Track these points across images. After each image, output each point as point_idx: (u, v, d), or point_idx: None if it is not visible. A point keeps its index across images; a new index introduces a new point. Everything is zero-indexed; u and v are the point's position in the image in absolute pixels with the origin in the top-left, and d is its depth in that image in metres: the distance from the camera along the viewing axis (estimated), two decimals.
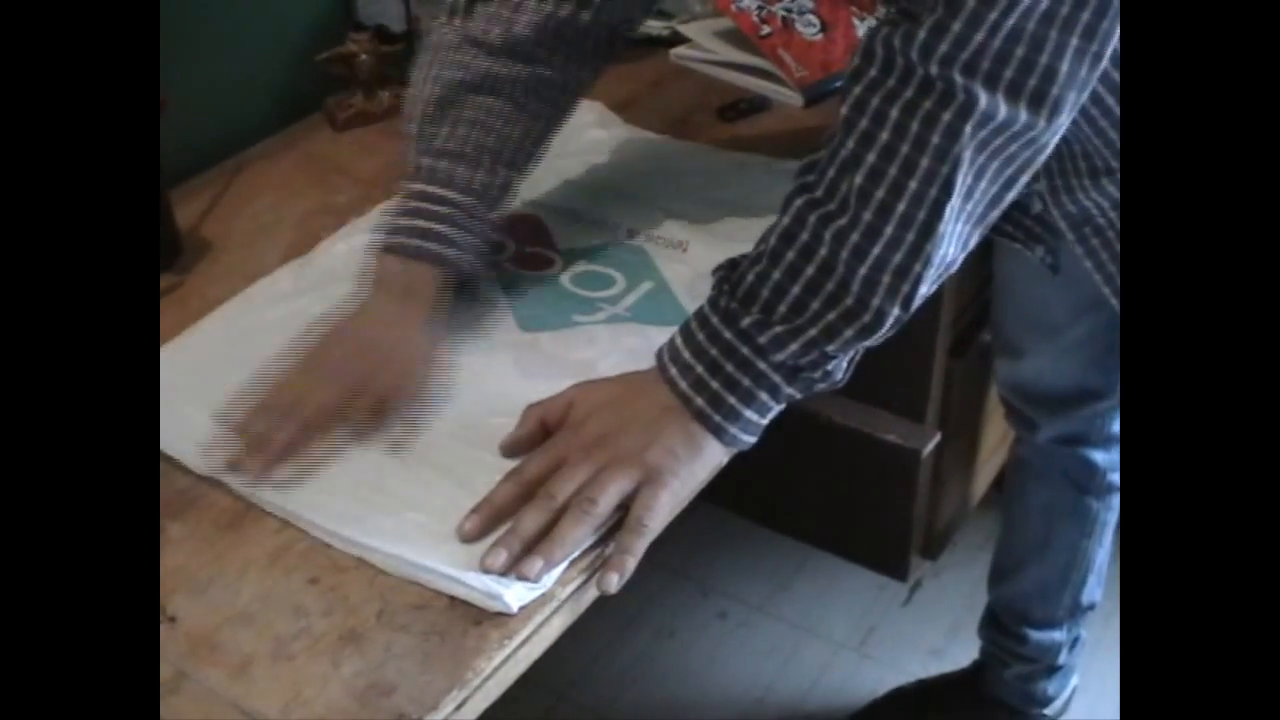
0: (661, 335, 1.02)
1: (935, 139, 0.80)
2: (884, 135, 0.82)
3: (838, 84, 1.39)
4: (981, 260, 1.35)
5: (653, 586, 1.84)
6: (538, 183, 1.22)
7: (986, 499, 1.84)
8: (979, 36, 0.78)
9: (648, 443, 0.87)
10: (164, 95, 1.10)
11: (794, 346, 0.86)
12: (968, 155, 0.81)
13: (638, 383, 0.90)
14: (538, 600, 0.81)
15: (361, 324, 0.98)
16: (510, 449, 0.90)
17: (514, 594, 0.80)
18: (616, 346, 1.02)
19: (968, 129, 0.80)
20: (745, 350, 0.86)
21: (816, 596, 1.85)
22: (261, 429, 0.90)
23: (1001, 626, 1.55)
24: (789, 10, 1.41)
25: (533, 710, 1.68)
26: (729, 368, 0.87)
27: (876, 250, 0.83)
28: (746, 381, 0.87)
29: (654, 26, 1.52)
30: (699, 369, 0.87)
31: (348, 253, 1.13)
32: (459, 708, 0.75)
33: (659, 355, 0.90)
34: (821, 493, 1.76)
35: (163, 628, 0.79)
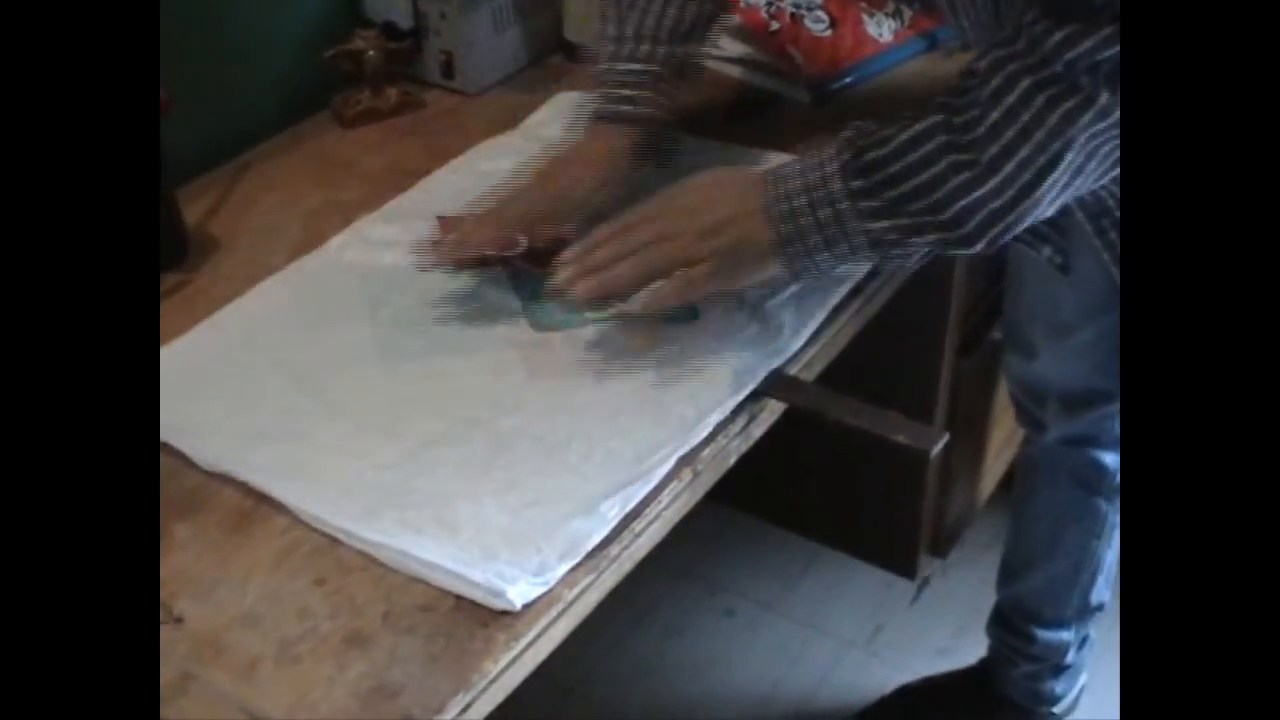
0: (671, 333, 1.02)
1: (1054, 118, 0.88)
2: (1010, 99, 0.89)
3: (847, 80, 1.39)
4: (989, 257, 1.35)
5: (661, 585, 1.84)
6: None
7: (995, 497, 1.83)
8: (1108, 53, 0.85)
9: (727, 231, 0.96)
10: (170, 94, 1.10)
11: (886, 224, 0.94)
12: (1080, 140, 0.88)
13: (744, 182, 0.99)
14: (544, 601, 0.81)
15: (564, 154, 1.12)
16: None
17: (518, 591, 0.80)
18: (626, 347, 1.02)
19: (1085, 119, 0.87)
20: (845, 205, 0.94)
21: (824, 595, 1.84)
22: (465, 229, 1.07)
23: (1010, 625, 1.54)
24: (798, 6, 1.41)
25: (541, 708, 1.68)
26: (825, 212, 0.95)
27: (980, 192, 0.91)
28: (834, 229, 0.95)
29: None
30: (799, 201, 0.95)
31: (353, 252, 1.14)
32: (465, 710, 0.75)
33: (770, 173, 0.98)
34: (829, 491, 1.76)
35: (169, 629, 0.79)
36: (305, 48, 1.37)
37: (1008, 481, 1.78)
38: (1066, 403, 1.34)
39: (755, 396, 0.97)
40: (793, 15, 1.40)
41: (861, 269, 1.06)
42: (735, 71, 1.43)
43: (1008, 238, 0.94)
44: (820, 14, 1.41)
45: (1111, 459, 1.36)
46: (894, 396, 1.07)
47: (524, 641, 0.79)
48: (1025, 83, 0.89)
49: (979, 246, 0.94)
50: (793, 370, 1.01)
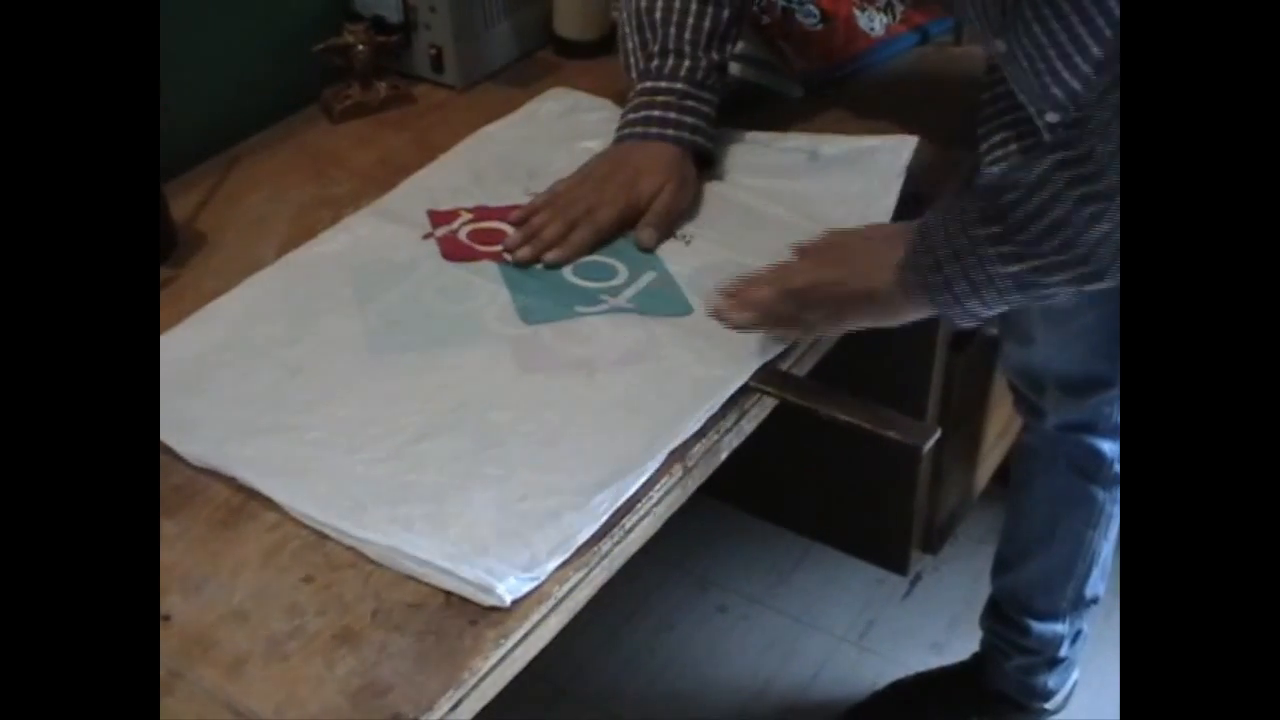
0: (662, 327, 1.02)
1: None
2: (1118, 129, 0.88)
3: (837, 74, 1.39)
4: None
5: (652, 580, 1.84)
6: (539, 173, 1.22)
7: (988, 493, 1.83)
8: None
9: (866, 281, 0.99)
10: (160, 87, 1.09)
11: (1023, 267, 0.93)
12: None
13: (900, 234, 1.00)
14: (534, 598, 0.80)
15: (614, 154, 1.18)
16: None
17: (507, 587, 0.80)
18: (618, 341, 1.01)
19: None
20: (989, 250, 0.93)
21: (816, 590, 1.84)
22: (537, 223, 1.12)
23: (1003, 617, 1.54)
24: (789, 0, 1.40)
25: (533, 703, 1.68)
26: (969, 259, 0.94)
27: (1107, 224, 0.89)
28: (979, 276, 0.94)
29: None
30: (942, 252, 0.95)
31: (342, 247, 1.13)
32: (454, 708, 0.75)
33: (917, 224, 0.98)
34: (821, 487, 1.76)
35: None
36: (294, 42, 1.36)
37: (1001, 476, 1.78)
38: (1065, 389, 1.33)
39: (747, 391, 0.97)
40: (784, 9, 1.40)
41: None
42: None
43: (1083, 291, 0.94)
44: (811, 8, 1.41)
45: (1109, 446, 1.36)
46: (886, 392, 1.07)
47: (514, 639, 0.78)
48: None
49: (1109, 278, 0.92)
50: (785, 365, 1.00)
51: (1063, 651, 1.54)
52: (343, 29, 1.35)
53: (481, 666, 0.76)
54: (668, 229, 1.14)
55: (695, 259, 1.11)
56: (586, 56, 1.46)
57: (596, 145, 1.24)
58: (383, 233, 1.15)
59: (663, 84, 1.19)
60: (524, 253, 1.11)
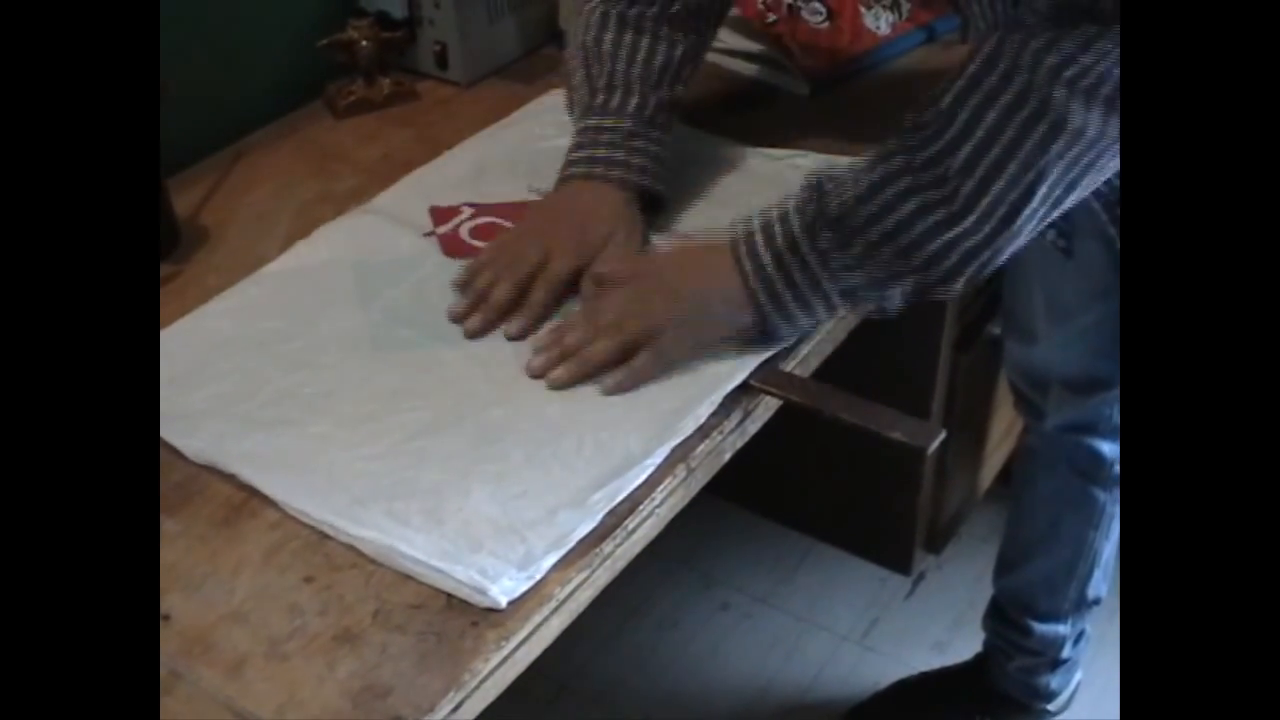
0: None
1: (1026, 147, 0.86)
2: (979, 133, 0.88)
3: (844, 73, 1.38)
4: None
5: (656, 578, 1.83)
6: (541, 168, 1.21)
7: (992, 492, 1.83)
8: (1086, 59, 0.84)
9: (693, 296, 0.97)
10: (163, 82, 1.08)
11: (860, 276, 0.93)
12: (1056, 169, 0.87)
13: (709, 248, 0.98)
14: (536, 599, 0.80)
15: (558, 199, 1.10)
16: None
17: (501, 588, 0.79)
18: None
19: (1057, 145, 0.86)
20: (813, 259, 0.93)
21: (819, 589, 1.84)
22: (481, 285, 1.03)
23: (1006, 618, 1.54)
24: None
25: (536, 700, 1.67)
26: (796, 274, 0.94)
27: (952, 233, 0.90)
28: (807, 288, 0.94)
29: None
30: (766, 259, 0.94)
31: (344, 243, 1.13)
32: (455, 709, 0.75)
33: (734, 235, 0.97)
34: (825, 486, 1.75)
35: None
36: (298, 37, 1.36)
37: (1005, 476, 1.77)
38: (1066, 389, 1.33)
39: (750, 392, 0.96)
40: (790, 7, 1.40)
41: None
42: (733, 64, 1.42)
43: (986, 274, 0.93)
44: (818, 6, 1.40)
45: (1109, 448, 1.36)
46: (890, 392, 1.06)
47: (515, 640, 0.78)
48: (991, 115, 0.87)
49: (958, 287, 0.93)
50: (788, 366, 1.00)
51: (1065, 652, 1.54)
52: (347, 25, 1.35)
53: (483, 668, 0.76)
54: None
55: None
56: None
57: None
58: (385, 229, 1.14)
59: (608, 121, 1.10)
60: (473, 323, 1.01)
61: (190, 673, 0.76)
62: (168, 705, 0.74)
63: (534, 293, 1.02)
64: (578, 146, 1.11)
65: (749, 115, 1.32)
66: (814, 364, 1.04)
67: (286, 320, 1.04)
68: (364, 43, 1.34)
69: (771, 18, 1.39)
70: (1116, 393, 1.31)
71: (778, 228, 0.95)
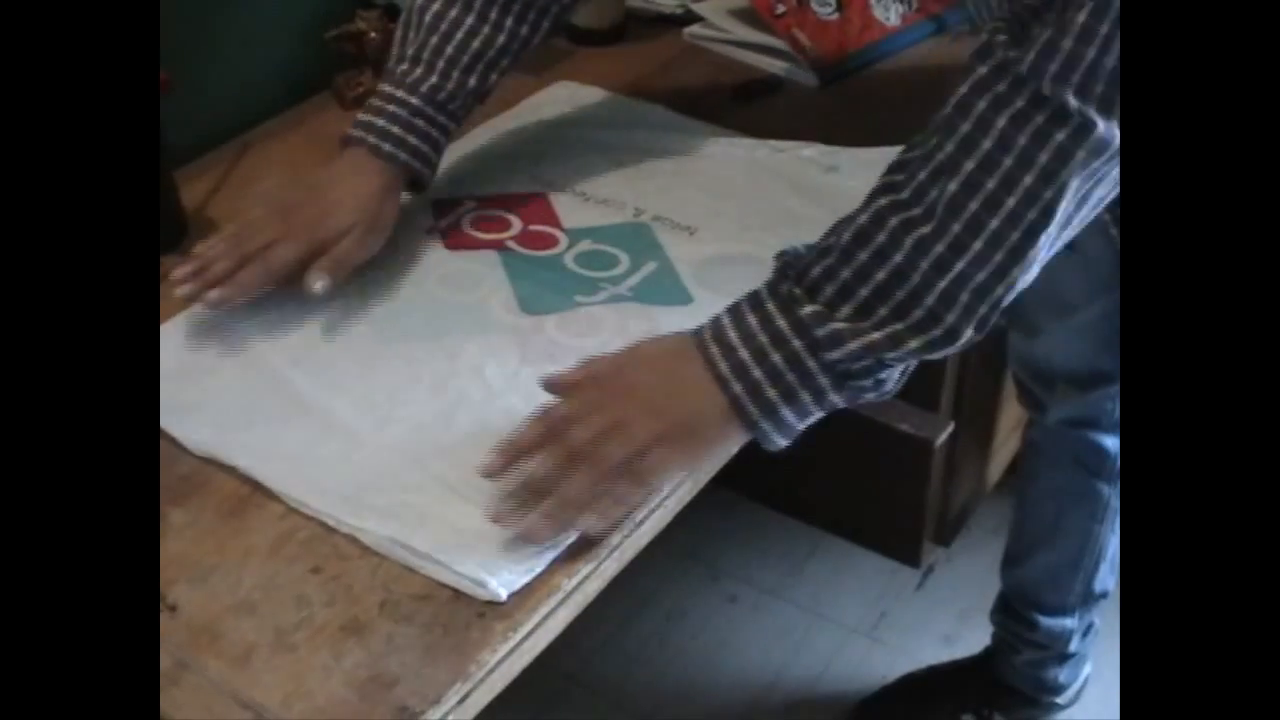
0: (665, 316, 1.02)
1: (1043, 158, 0.75)
2: (987, 144, 0.76)
3: (853, 64, 1.38)
4: None
5: (664, 570, 1.83)
6: (545, 160, 1.21)
7: (1001, 485, 1.82)
8: (1091, 53, 0.73)
9: (675, 406, 0.83)
10: (170, 74, 1.09)
11: (852, 346, 0.80)
12: (1075, 183, 0.76)
13: (675, 349, 0.86)
14: (543, 590, 0.80)
15: (317, 179, 1.06)
16: (553, 386, 0.88)
17: (500, 581, 0.79)
18: (620, 332, 1.00)
19: (1080, 154, 0.75)
20: (797, 343, 0.81)
21: (828, 581, 1.84)
22: (210, 256, 1.00)
23: (1013, 612, 1.54)
24: None
25: (543, 692, 1.68)
26: (776, 358, 0.81)
27: (960, 265, 0.78)
28: (791, 377, 0.81)
29: (667, 4, 1.50)
30: (743, 353, 0.82)
31: None
32: (462, 701, 0.74)
33: (699, 331, 0.85)
34: (834, 479, 1.75)
35: (163, 616, 0.78)
36: (306, 28, 1.36)
37: (1014, 469, 1.77)
38: (1069, 383, 1.33)
39: None
40: None
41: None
42: (741, 54, 1.42)
43: (995, 318, 0.81)
44: None
45: (1112, 442, 1.35)
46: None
47: (522, 631, 0.78)
48: (1001, 122, 0.76)
49: (967, 336, 0.81)
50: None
51: (1073, 646, 1.53)
52: (355, 16, 1.35)
53: (489, 660, 0.76)
54: (343, 276, 1.02)
55: (699, 249, 1.10)
56: (599, 44, 1.46)
57: (602, 134, 1.25)
58: None
59: (399, 93, 1.06)
60: (185, 289, 0.98)
61: (197, 663, 0.76)
62: (175, 695, 0.74)
63: (247, 270, 0.99)
64: (366, 108, 1.07)
65: (756, 107, 1.32)
66: None
67: (288, 311, 1.04)
68: (372, 34, 1.34)
69: (780, 8, 1.38)
70: (1119, 387, 1.30)
71: (748, 311, 0.83)
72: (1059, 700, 1.59)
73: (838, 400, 0.83)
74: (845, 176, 1.19)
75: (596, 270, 1.08)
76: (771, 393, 0.82)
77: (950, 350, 0.81)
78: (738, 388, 0.82)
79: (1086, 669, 1.60)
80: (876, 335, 0.80)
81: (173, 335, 1.01)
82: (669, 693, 1.71)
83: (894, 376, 0.83)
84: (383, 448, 0.90)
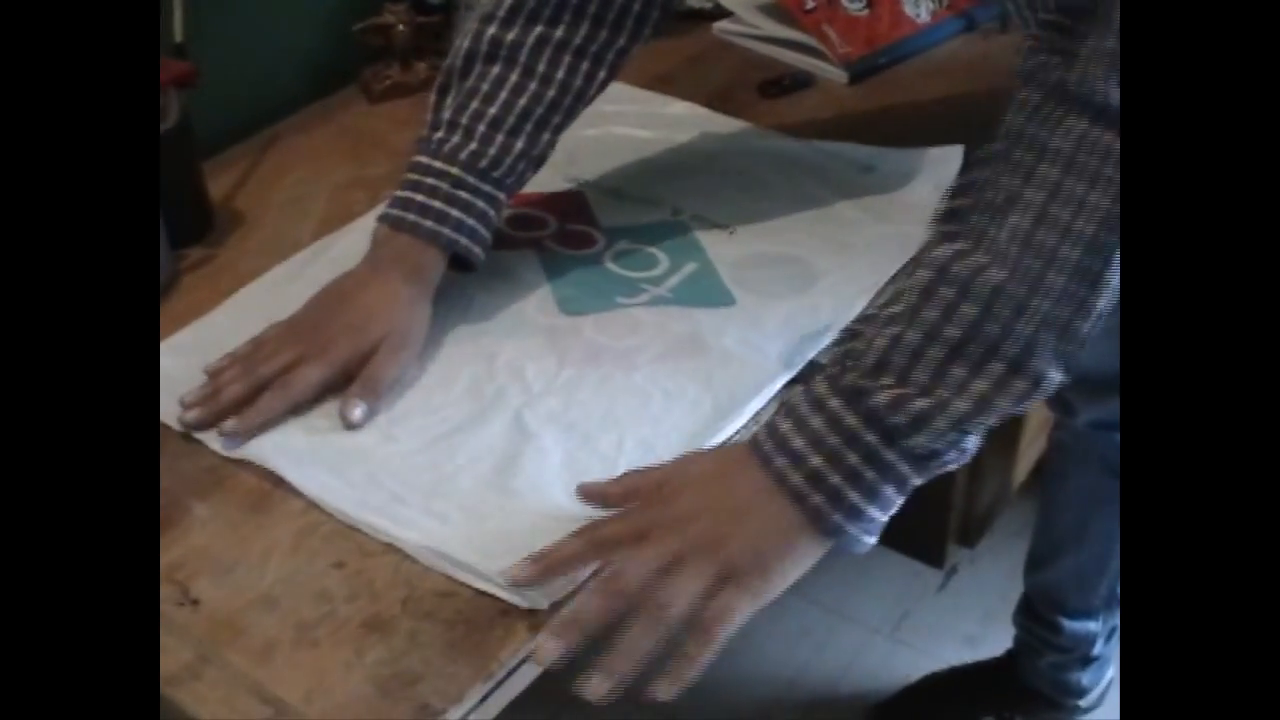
0: (706, 318, 1.00)
1: (1109, 171, 0.70)
2: (1046, 168, 0.71)
3: (882, 60, 1.37)
4: None
5: None
6: (579, 158, 1.20)
7: (1026, 486, 1.81)
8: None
9: (740, 532, 0.76)
10: (197, 66, 1.09)
11: (939, 423, 0.73)
12: None
13: (731, 463, 0.79)
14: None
15: (343, 286, 0.97)
16: (590, 497, 0.82)
17: (544, 592, 0.78)
18: (661, 334, 0.99)
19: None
20: (872, 437, 0.73)
21: (851, 581, 1.83)
22: (223, 380, 0.91)
23: (1036, 614, 1.53)
24: None
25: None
26: (852, 459, 0.73)
27: (1043, 305, 0.72)
28: (871, 474, 0.74)
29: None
30: (814, 460, 0.74)
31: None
32: (483, 700, 0.74)
33: (756, 441, 0.77)
34: None
35: (185, 610, 0.78)
36: (334, 21, 1.36)
37: (1040, 470, 1.76)
38: (1096, 385, 1.31)
39: (788, 385, 0.95)
40: None
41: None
42: (770, 50, 1.41)
43: (1080, 352, 0.75)
44: None
45: None
46: None
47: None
48: (1056, 142, 0.71)
49: (1057, 378, 0.74)
50: (824, 358, 0.99)
51: (1096, 649, 1.52)
52: (383, 9, 1.35)
53: (512, 659, 0.75)
54: (378, 399, 0.92)
55: (737, 249, 1.09)
56: None
57: (634, 130, 1.23)
58: None
59: (437, 164, 0.96)
60: (193, 415, 0.89)
61: (219, 657, 0.75)
62: (196, 689, 0.74)
63: (265, 398, 0.90)
64: (402, 184, 0.98)
65: (785, 104, 1.31)
66: None
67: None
68: (400, 27, 1.34)
69: (810, 4, 1.38)
70: None
71: (809, 412, 0.75)
72: (1081, 704, 1.58)
73: (919, 481, 0.76)
74: (882, 176, 1.18)
75: (636, 270, 1.07)
76: (853, 495, 0.75)
77: (1039, 398, 0.75)
78: (817, 499, 0.75)
79: (1110, 673, 1.59)
80: (961, 404, 0.73)
81: (204, 331, 1.00)
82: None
83: (975, 442, 0.76)
84: (419, 449, 0.89)
